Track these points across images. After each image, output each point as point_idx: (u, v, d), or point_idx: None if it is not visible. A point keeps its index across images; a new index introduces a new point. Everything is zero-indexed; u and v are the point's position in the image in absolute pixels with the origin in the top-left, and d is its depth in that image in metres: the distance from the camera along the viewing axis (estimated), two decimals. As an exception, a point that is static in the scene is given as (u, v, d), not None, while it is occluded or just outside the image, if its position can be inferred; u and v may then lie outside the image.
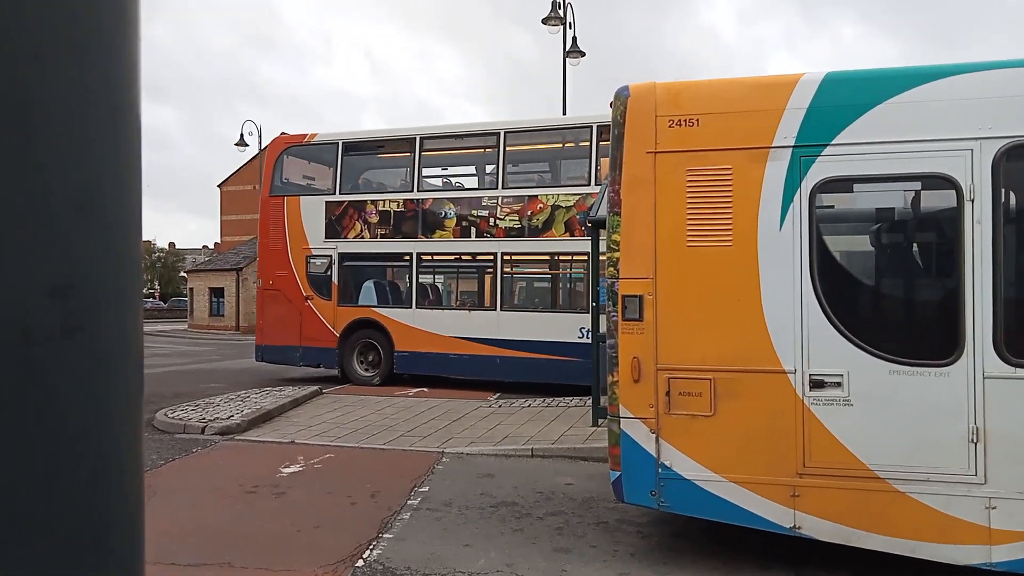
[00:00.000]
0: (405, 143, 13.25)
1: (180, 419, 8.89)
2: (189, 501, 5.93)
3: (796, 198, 4.20)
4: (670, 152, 4.41)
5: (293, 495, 6.08)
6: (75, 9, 0.58)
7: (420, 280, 13.35)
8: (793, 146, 4.22)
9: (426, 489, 6.25)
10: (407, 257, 13.11)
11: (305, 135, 14.15)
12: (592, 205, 9.76)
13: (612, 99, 4.61)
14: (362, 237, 13.30)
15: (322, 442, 8.10)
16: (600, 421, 8.32)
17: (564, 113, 15.99)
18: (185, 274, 52.58)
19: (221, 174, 55.12)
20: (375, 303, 13.34)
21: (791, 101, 4.26)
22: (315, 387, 11.96)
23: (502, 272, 12.51)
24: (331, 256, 13.44)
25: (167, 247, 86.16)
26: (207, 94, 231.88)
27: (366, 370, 13.23)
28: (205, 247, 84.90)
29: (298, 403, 10.62)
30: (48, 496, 0.56)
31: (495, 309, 12.49)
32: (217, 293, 40.33)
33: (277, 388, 12.07)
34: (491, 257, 12.52)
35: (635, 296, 4.39)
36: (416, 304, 13.07)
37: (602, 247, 7.36)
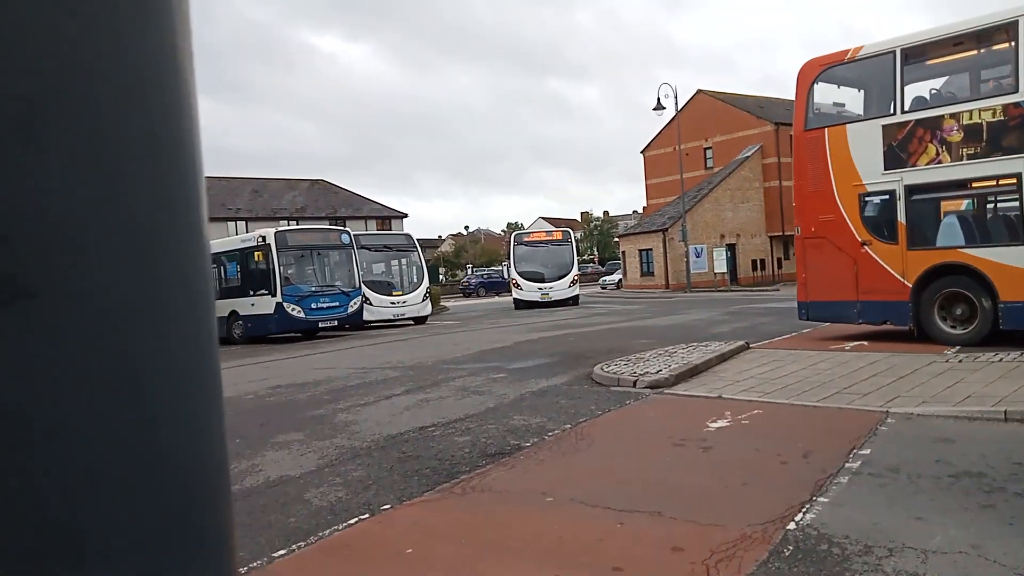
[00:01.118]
0: (1000, 33, 10.38)
1: (614, 373, 9.49)
2: (623, 450, 6.27)
3: None
4: None
5: (720, 450, 6.02)
6: None
7: None
8: None
9: (867, 452, 5.63)
10: (1012, 179, 10.09)
11: (845, 51, 11.73)
12: None
13: None
14: (939, 162, 10.69)
15: (749, 397, 7.88)
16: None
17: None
18: (617, 238, 56.24)
19: (643, 141, 57.42)
20: (963, 243, 10.69)
21: None
22: (741, 342, 11.73)
23: None
24: (894, 190, 11.11)
25: (602, 215, 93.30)
26: (627, 65, 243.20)
27: (952, 327, 10.72)
28: (635, 212, 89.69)
29: (724, 358, 10.53)
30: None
31: None
32: (646, 254, 42.24)
33: (704, 344, 12.14)
34: None
35: None
36: None
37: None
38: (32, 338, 0.42)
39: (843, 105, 12.30)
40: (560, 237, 31.69)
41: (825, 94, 12.29)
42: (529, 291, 29.59)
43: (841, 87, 12.27)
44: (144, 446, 0.47)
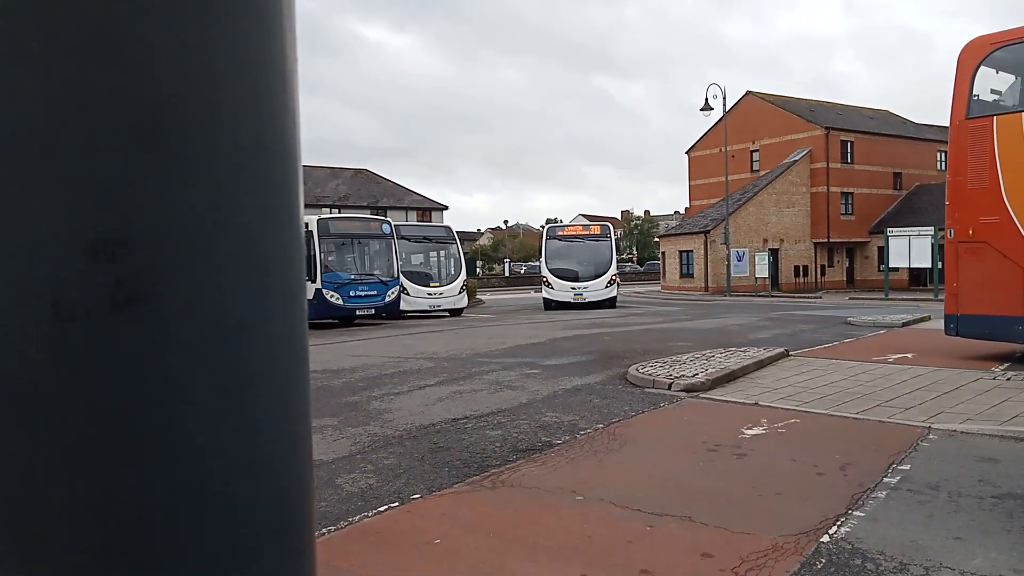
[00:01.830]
0: None
1: (650, 374, 9.41)
2: (656, 453, 6.22)
3: None
4: None
5: (755, 458, 5.93)
6: None
7: None
8: None
9: (907, 467, 5.50)
10: None
11: (1017, 29, 10.18)
12: None
13: None
14: None
15: (787, 406, 7.75)
16: None
17: None
18: (658, 239, 55.79)
19: (688, 141, 56.80)
20: None
21: None
22: (780, 349, 11.54)
23: None
24: None
25: (643, 214, 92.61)
26: (674, 64, 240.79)
27: None
28: (676, 212, 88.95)
29: (763, 364, 10.38)
30: (110, 524, 0.42)
31: None
32: (686, 256, 41.82)
33: (742, 349, 11.97)
34: None
35: None
36: None
37: None
38: (144, 343, 0.42)
39: (1000, 92, 10.73)
40: (598, 232, 28.89)
41: (984, 80, 10.59)
42: (561, 290, 27.01)
43: (1000, 72, 10.66)
44: (247, 452, 0.47)
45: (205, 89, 0.44)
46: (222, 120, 0.45)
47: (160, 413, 0.43)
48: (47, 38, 0.38)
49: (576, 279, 27.18)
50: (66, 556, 0.40)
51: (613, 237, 28.99)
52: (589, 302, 26.57)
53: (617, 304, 28.84)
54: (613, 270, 27.76)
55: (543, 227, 41.27)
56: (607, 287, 27.17)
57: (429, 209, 47.84)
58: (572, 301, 26.70)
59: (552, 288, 27.31)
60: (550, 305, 27.19)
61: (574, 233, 29.32)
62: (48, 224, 0.40)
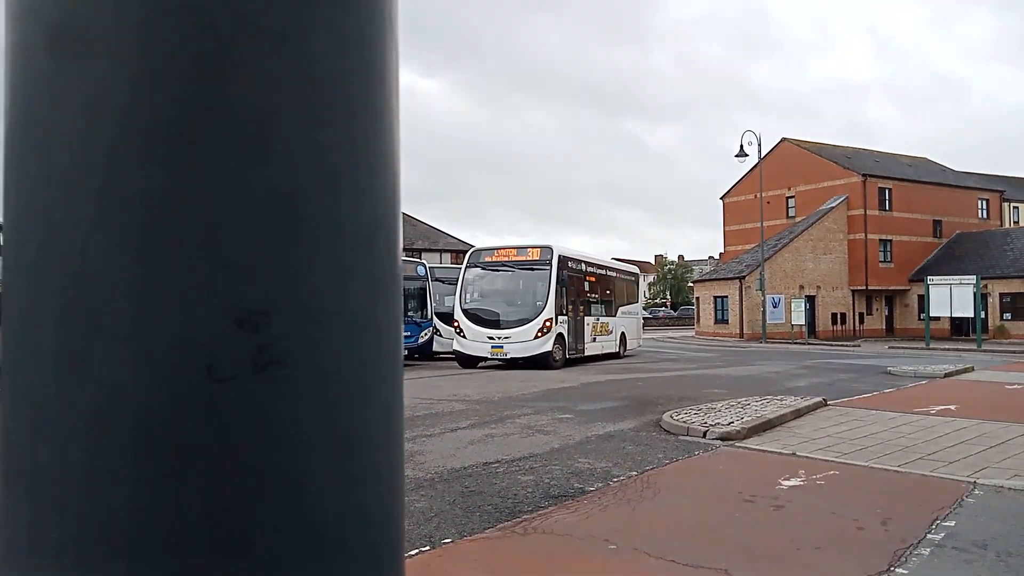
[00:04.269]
0: None
1: (684, 422, 9.29)
2: (691, 502, 6.11)
3: None
4: None
5: (793, 510, 5.80)
6: None
7: None
8: None
9: (951, 524, 5.33)
10: None
11: None
12: None
13: None
14: None
15: (826, 457, 7.59)
16: None
17: None
18: (692, 284, 55.46)
19: (722, 186, 56.74)
20: None
21: None
22: (818, 398, 11.33)
23: None
24: None
25: (677, 259, 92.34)
26: (704, 109, 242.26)
27: None
28: (711, 257, 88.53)
29: (800, 414, 10.19)
30: (230, 565, 0.47)
31: None
32: (721, 301, 41.48)
33: (778, 397, 11.78)
34: None
35: None
36: None
37: None
38: (279, 402, 0.48)
39: None
40: (536, 257, 19.73)
41: None
42: (476, 340, 19.24)
43: None
44: (358, 498, 0.53)
45: (331, 181, 0.51)
46: (344, 206, 0.52)
47: (287, 462, 0.49)
48: (214, 138, 0.46)
49: (496, 325, 19.26)
50: None
51: (555, 263, 19.50)
52: (512, 359, 18.71)
53: (640, 352, 25.71)
54: (548, 313, 18.92)
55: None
56: (537, 338, 18.69)
57: (463, 251, 48.01)
58: (490, 357, 19.25)
59: (465, 337, 19.59)
60: (466, 362, 19.61)
61: (503, 259, 20.32)
62: (206, 297, 0.46)
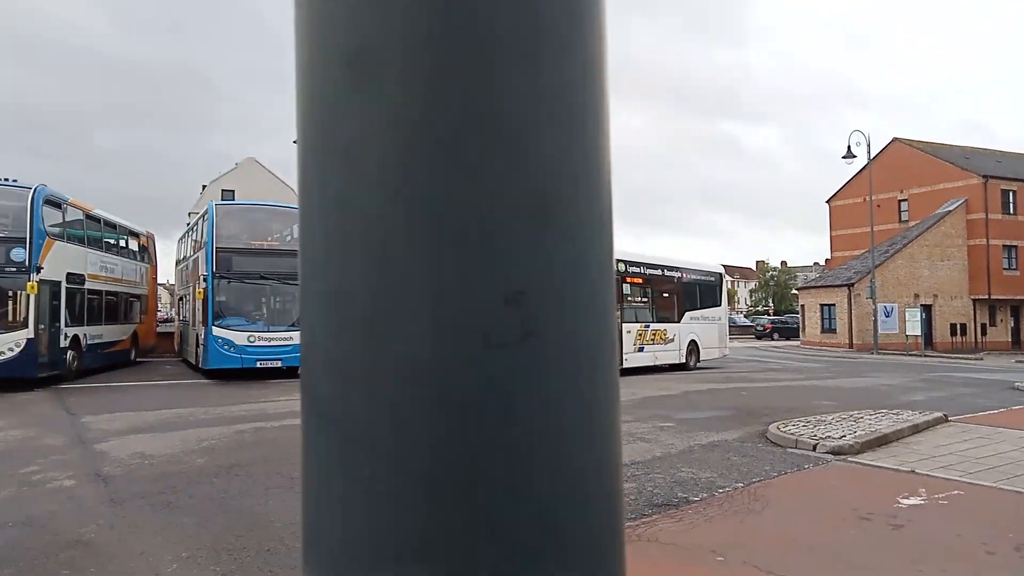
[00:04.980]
0: None
1: (792, 434, 8.99)
2: (801, 517, 5.91)
3: None
4: None
5: (913, 530, 5.51)
6: (527, 13, 0.57)
7: None
8: None
9: (1095, 553, 4.93)
10: None
11: None
12: None
13: None
14: None
15: (948, 476, 7.17)
16: None
17: None
18: (796, 291, 53.46)
19: (827, 189, 54.47)
20: None
21: None
22: (938, 413, 10.71)
23: None
24: None
25: (779, 265, 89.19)
26: (805, 108, 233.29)
27: None
28: (816, 264, 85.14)
29: (918, 429, 9.66)
30: (504, 495, 0.57)
31: None
32: (828, 310, 39.80)
33: (894, 411, 11.21)
34: None
35: None
36: None
37: None
38: (536, 366, 0.58)
39: None
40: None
41: None
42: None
43: None
44: (597, 457, 0.62)
45: (571, 183, 0.61)
46: (581, 205, 0.61)
47: (548, 417, 0.59)
48: (484, 146, 0.56)
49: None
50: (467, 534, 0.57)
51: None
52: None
53: (754, 359, 25.32)
54: None
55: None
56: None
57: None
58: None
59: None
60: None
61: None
62: (481, 280, 0.57)
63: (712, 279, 23.59)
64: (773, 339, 50.01)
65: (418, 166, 0.56)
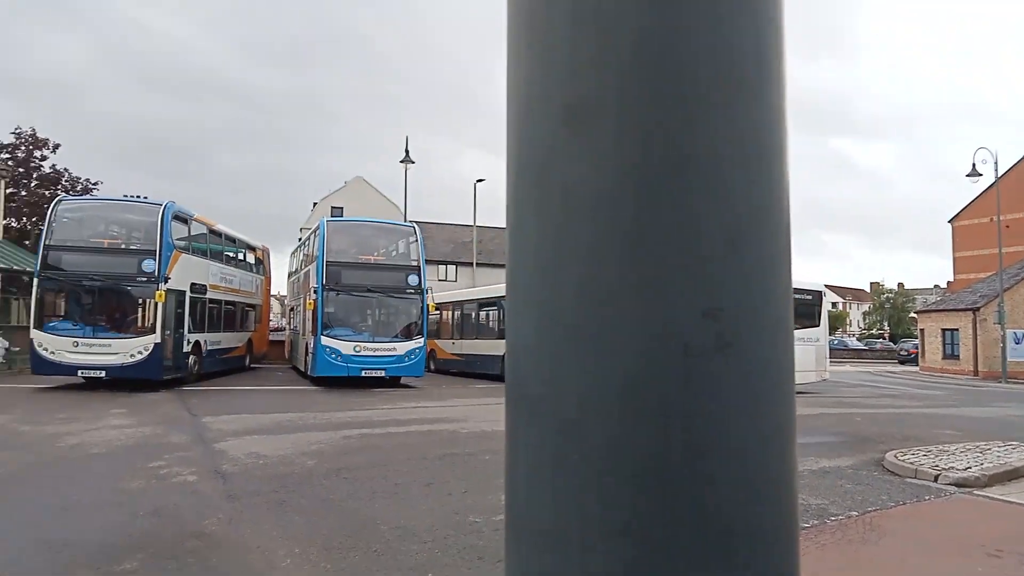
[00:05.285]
0: None
1: (911, 463, 8.50)
2: (921, 550, 5.58)
3: None
4: None
5: (1050, 571, 5.08)
6: (724, 66, 0.64)
7: None
8: None
9: None
10: None
11: None
12: None
13: None
14: None
15: (1090, 515, 6.58)
16: None
17: None
18: (915, 314, 50.50)
19: (949, 208, 51.29)
20: None
21: None
22: (1079, 448, 9.85)
23: None
24: None
25: (896, 287, 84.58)
26: (923, 124, 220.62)
27: None
28: (936, 286, 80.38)
29: (1054, 464, 8.90)
30: (699, 494, 0.63)
31: None
32: (950, 335, 37.42)
33: (1026, 444, 10.39)
34: None
35: None
36: None
37: None
38: (733, 375, 0.66)
39: None
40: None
41: None
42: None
43: None
44: (782, 452, 0.71)
45: (762, 214, 0.69)
46: (768, 235, 0.69)
47: (744, 421, 0.67)
48: (682, 182, 0.65)
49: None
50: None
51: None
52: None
53: (868, 384, 23.82)
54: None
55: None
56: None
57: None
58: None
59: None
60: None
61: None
62: (682, 296, 0.65)
63: (810, 297, 21.92)
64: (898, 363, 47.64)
65: (628, 201, 0.64)
